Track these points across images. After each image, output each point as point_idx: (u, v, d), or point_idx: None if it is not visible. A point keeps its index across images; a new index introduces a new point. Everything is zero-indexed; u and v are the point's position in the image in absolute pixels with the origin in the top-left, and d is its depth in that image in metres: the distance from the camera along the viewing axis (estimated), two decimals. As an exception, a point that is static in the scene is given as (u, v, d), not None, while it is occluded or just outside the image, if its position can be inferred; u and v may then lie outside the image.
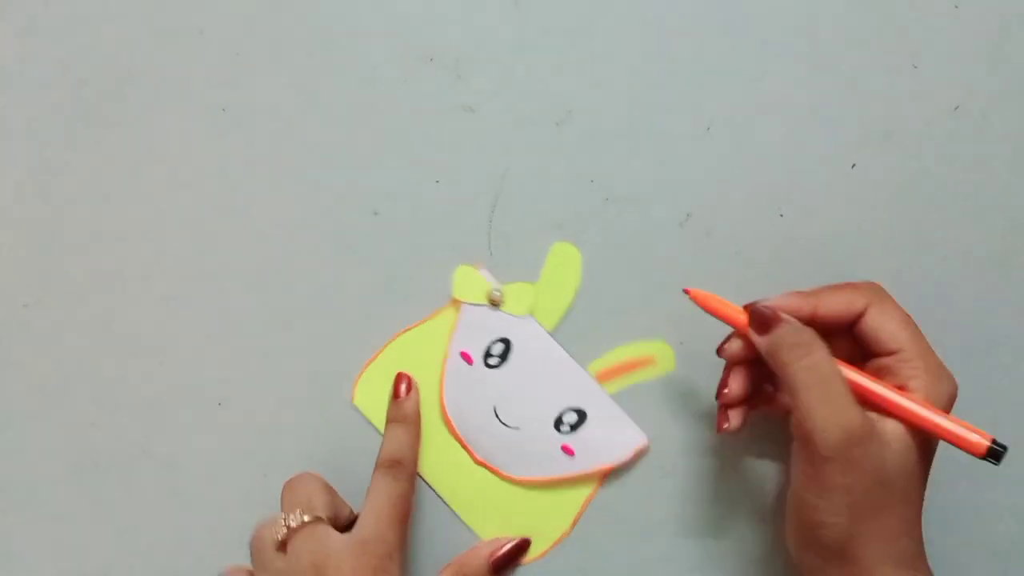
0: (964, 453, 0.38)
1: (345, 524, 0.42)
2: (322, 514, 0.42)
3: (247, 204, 0.47)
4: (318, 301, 0.47)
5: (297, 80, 0.47)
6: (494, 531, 0.46)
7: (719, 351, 0.42)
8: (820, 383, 0.38)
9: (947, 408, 0.39)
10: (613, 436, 0.46)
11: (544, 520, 0.46)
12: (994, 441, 0.36)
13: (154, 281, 0.47)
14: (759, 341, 0.40)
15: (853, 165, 0.47)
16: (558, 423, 0.46)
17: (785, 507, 0.40)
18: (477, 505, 0.46)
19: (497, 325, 0.46)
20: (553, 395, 0.46)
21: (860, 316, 0.40)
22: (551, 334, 0.46)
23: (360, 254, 0.47)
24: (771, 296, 0.42)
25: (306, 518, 0.41)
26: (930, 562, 0.39)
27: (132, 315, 0.47)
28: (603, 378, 0.46)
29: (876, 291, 0.41)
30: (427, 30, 0.47)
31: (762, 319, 0.40)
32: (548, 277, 0.46)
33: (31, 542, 0.46)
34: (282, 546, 0.41)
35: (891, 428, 0.38)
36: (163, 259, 0.47)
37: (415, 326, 0.47)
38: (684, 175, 0.47)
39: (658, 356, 0.46)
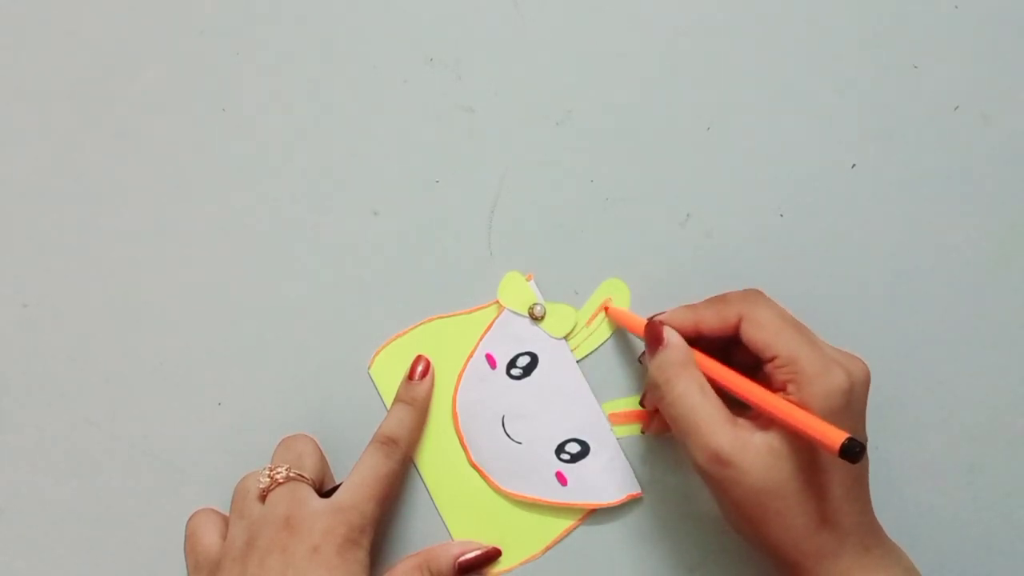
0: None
1: (326, 494, 0.43)
2: (308, 475, 0.43)
3: (247, 204, 0.47)
4: (317, 301, 0.47)
5: (297, 80, 0.47)
6: (468, 533, 0.46)
7: (641, 359, 0.45)
8: (688, 413, 0.39)
9: (842, 400, 0.38)
10: (609, 477, 0.46)
11: (519, 537, 0.46)
12: (849, 439, 0.35)
13: (154, 281, 0.47)
14: (649, 362, 0.42)
15: (853, 165, 0.47)
16: (560, 449, 0.46)
17: None
18: (459, 505, 0.46)
19: (530, 338, 0.46)
20: (563, 421, 0.46)
21: (737, 328, 0.41)
22: (578, 362, 0.46)
23: (359, 254, 0.47)
24: (666, 310, 0.43)
25: (292, 474, 0.42)
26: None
27: (132, 315, 0.47)
28: (615, 420, 0.46)
29: (749, 301, 0.41)
30: (427, 30, 0.47)
31: (652, 338, 0.42)
32: (591, 308, 0.46)
33: (31, 542, 0.46)
34: (263, 495, 0.42)
35: (757, 441, 0.38)
36: (163, 259, 0.47)
37: (452, 315, 0.47)
38: (684, 175, 0.47)
39: None
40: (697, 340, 0.42)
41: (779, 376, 0.39)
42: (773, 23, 0.47)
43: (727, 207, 0.47)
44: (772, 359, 0.39)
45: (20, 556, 0.46)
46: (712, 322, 0.42)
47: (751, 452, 0.38)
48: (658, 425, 0.45)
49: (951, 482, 0.46)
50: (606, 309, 0.46)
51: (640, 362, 0.46)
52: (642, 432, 0.46)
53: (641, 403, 0.46)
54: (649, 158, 0.47)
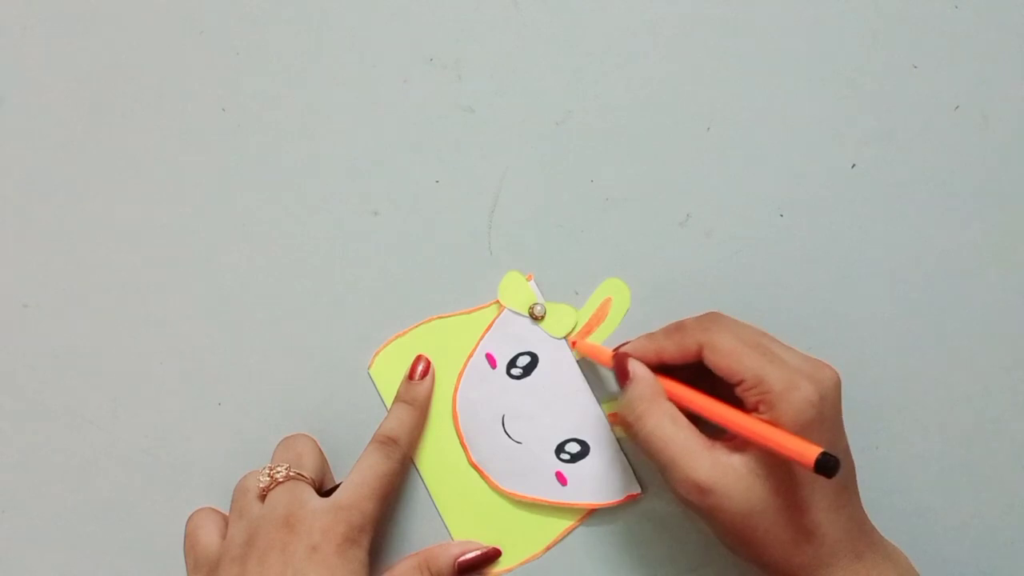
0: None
1: (326, 493, 0.43)
2: (308, 475, 0.43)
3: (247, 204, 0.47)
4: (317, 301, 0.47)
5: (297, 80, 0.47)
6: (468, 533, 0.46)
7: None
8: (662, 446, 0.39)
9: (813, 412, 0.38)
10: (609, 477, 0.46)
11: (519, 537, 0.46)
12: (823, 454, 0.35)
13: (154, 281, 0.47)
14: (619, 397, 0.42)
15: (853, 165, 0.47)
16: (560, 449, 0.46)
17: None
18: (459, 504, 0.46)
19: (530, 338, 0.46)
20: (563, 421, 0.46)
21: (699, 355, 0.41)
22: (578, 362, 0.46)
23: (359, 254, 0.47)
24: (631, 340, 0.43)
25: (291, 473, 0.42)
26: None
27: (132, 315, 0.47)
28: (615, 420, 0.46)
29: (706, 328, 0.41)
30: (427, 30, 0.47)
31: (620, 372, 0.42)
32: (591, 308, 0.46)
33: (31, 542, 0.46)
34: (263, 494, 0.42)
35: (736, 463, 0.38)
36: (163, 259, 0.47)
37: (452, 315, 0.47)
38: (684, 175, 0.47)
39: None
40: (667, 367, 0.42)
41: (749, 398, 0.39)
42: (773, 23, 0.47)
43: (727, 207, 0.47)
44: (739, 383, 0.39)
45: (20, 556, 0.46)
46: (673, 352, 0.41)
47: (731, 476, 0.38)
48: None
49: (951, 482, 0.46)
50: (573, 344, 0.46)
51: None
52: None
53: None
54: (649, 158, 0.47)
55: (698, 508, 0.39)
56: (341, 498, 0.41)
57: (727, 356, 0.40)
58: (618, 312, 0.47)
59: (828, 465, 0.35)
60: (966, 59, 0.47)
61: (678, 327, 0.42)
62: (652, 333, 0.43)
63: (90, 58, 0.48)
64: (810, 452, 0.35)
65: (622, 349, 0.43)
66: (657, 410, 0.40)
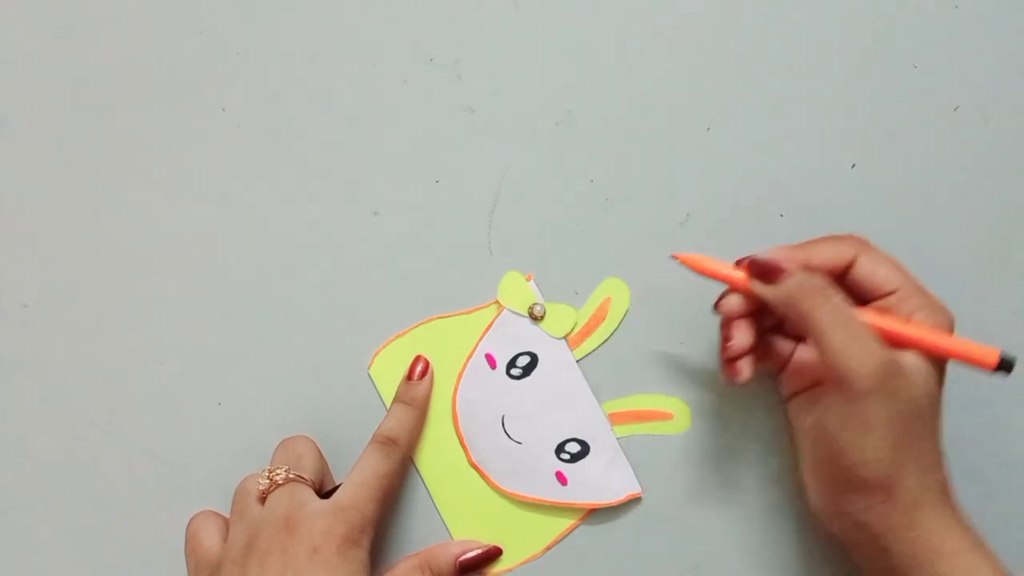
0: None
1: (326, 495, 0.43)
2: (308, 476, 0.43)
3: (246, 204, 0.47)
4: (317, 301, 0.47)
5: (297, 80, 0.47)
6: (468, 533, 0.46)
7: (717, 307, 0.43)
8: (847, 324, 0.39)
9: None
10: (609, 477, 0.46)
11: (519, 537, 0.46)
12: (1003, 353, 0.37)
13: (154, 281, 0.47)
14: (768, 292, 0.41)
15: (853, 165, 0.47)
16: (559, 449, 0.46)
17: (803, 468, 0.42)
18: (459, 504, 0.46)
19: (530, 338, 0.46)
20: (563, 421, 0.46)
21: (850, 265, 0.41)
22: (578, 362, 0.46)
23: (359, 254, 0.47)
24: (759, 251, 0.42)
25: (291, 475, 0.42)
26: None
27: (132, 315, 0.47)
28: (615, 419, 0.46)
29: (862, 240, 0.42)
30: (427, 30, 0.47)
31: (768, 270, 0.41)
32: (591, 308, 0.46)
33: (31, 542, 0.46)
34: (263, 497, 0.42)
35: (910, 360, 0.39)
36: (163, 259, 0.47)
37: (452, 315, 0.47)
38: (684, 175, 0.47)
39: (675, 413, 0.46)
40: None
41: (905, 307, 0.40)
42: (773, 23, 0.47)
43: (727, 207, 0.47)
44: (892, 292, 0.40)
45: (20, 556, 0.46)
46: (827, 257, 0.41)
47: (908, 371, 0.39)
48: (749, 370, 0.42)
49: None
50: (675, 256, 0.43)
51: (716, 310, 0.43)
52: (732, 383, 0.43)
53: (722, 352, 0.43)
54: (649, 158, 0.47)
55: (882, 388, 0.38)
56: (341, 499, 0.41)
57: (888, 264, 0.41)
58: (618, 312, 0.47)
59: (1011, 363, 0.37)
60: (966, 59, 0.47)
61: (833, 236, 0.42)
62: (792, 245, 0.42)
63: (90, 58, 0.48)
64: (991, 352, 0.37)
65: (759, 256, 0.42)
66: (837, 290, 0.40)
